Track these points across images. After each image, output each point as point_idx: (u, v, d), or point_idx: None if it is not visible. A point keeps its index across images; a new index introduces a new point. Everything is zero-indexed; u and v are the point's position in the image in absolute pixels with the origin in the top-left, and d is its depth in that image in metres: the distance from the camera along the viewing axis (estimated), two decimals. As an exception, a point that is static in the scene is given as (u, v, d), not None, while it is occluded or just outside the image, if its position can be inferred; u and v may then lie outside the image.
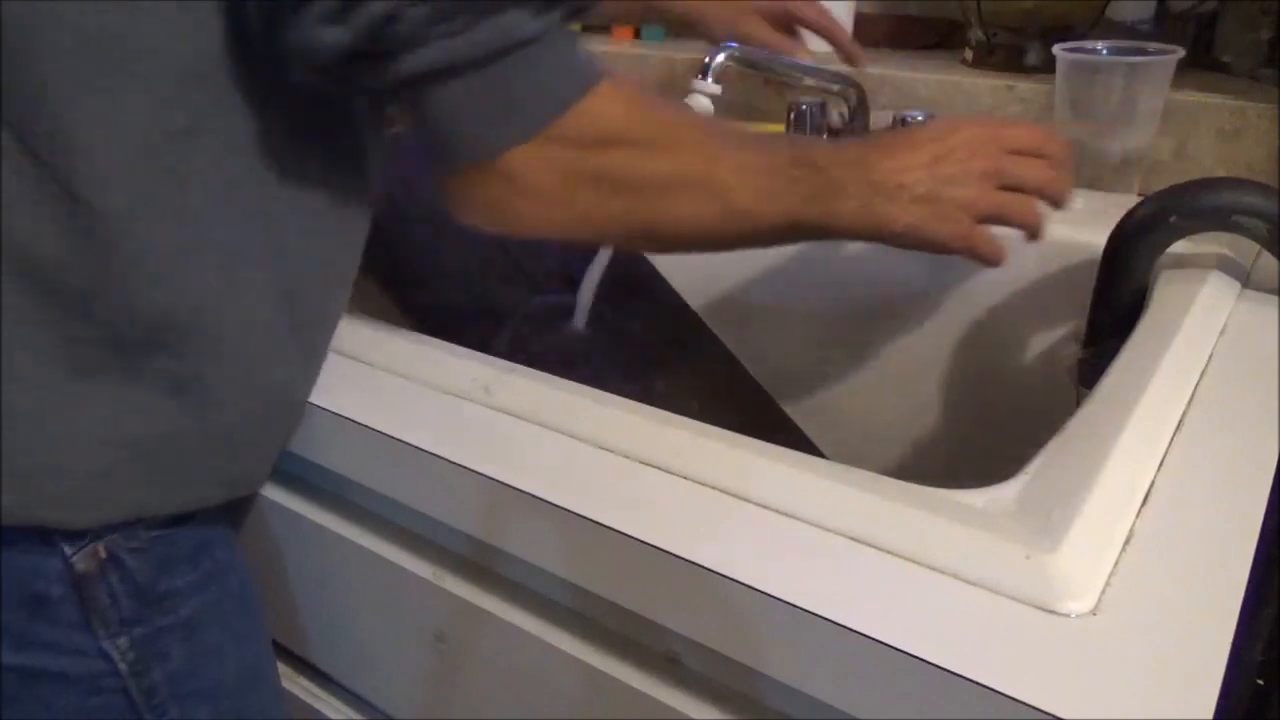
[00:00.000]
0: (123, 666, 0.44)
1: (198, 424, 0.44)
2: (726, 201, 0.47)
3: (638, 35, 1.07)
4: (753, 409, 0.86)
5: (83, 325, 0.40)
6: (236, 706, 0.49)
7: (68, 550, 0.42)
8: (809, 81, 0.77)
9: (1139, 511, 0.37)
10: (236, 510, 0.51)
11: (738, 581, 0.34)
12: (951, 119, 0.53)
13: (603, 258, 0.73)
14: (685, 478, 0.40)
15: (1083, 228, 0.68)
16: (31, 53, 0.37)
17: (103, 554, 0.43)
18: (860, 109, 0.78)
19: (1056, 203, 0.53)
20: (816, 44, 0.95)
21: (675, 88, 0.96)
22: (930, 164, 0.49)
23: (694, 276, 0.89)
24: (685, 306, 0.88)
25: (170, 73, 0.39)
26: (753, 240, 0.49)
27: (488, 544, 0.43)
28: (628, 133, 0.45)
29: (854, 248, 0.80)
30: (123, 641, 0.44)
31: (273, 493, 0.55)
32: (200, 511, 0.46)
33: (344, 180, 0.46)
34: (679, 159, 0.46)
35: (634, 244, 0.53)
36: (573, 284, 0.75)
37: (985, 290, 0.75)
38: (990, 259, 0.51)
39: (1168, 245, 0.56)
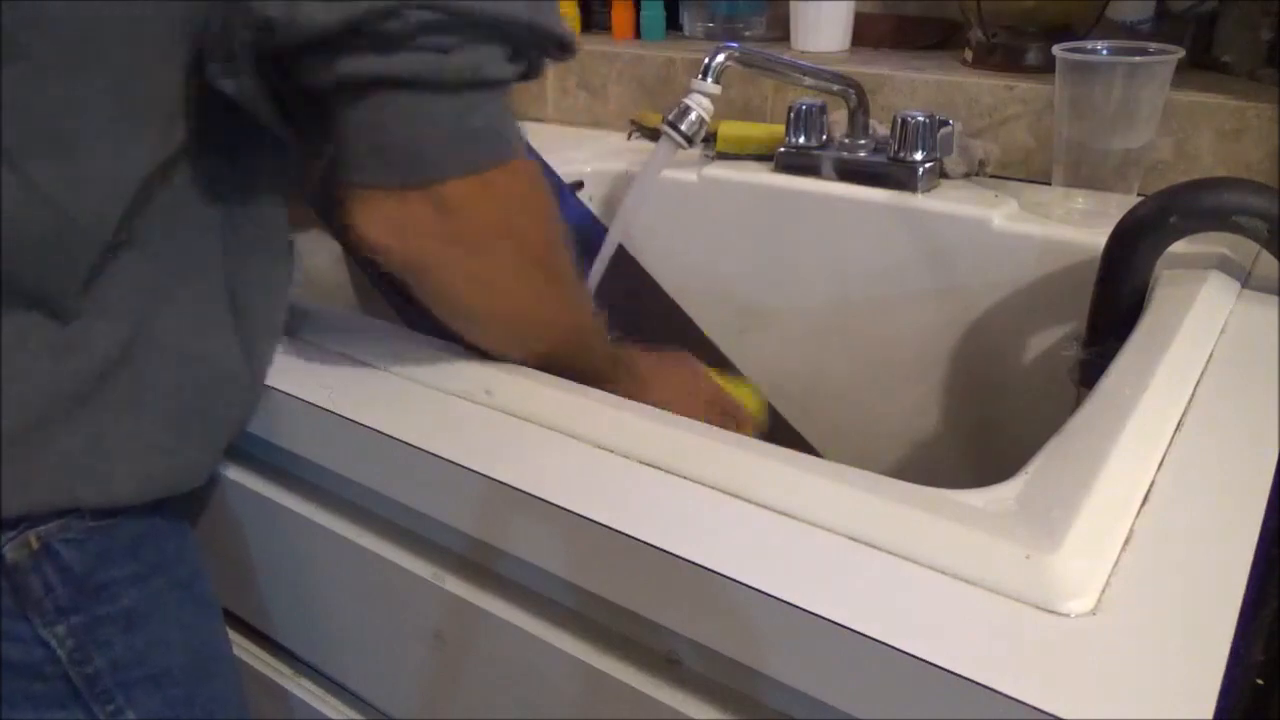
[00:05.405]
0: (61, 654, 0.45)
1: (127, 413, 0.43)
2: (575, 323, 0.51)
3: (638, 35, 1.07)
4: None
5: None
6: (188, 694, 0.50)
7: None
8: (809, 81, 0.77)
9: (1139, 511, 0.37)
10: (185, 502, 0.50)
11: (738, 581, 0.34)
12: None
13: (600, 264, 0.73)
14: (685, 478, 0.40)
15: (1083, 228, 0.68)
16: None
17: (35, 544, 0.43)
18: (860, 109, 0.78)
19: None
20: (816, 44, 0.95)
21: (675, 87, 0.96)
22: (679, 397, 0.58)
23: (693, 277, 0.89)
24: (676, 308, 0.88)
25: None
26: (551, 350, 0.51)
27: (488, 544, 0.43)
28: (545, 209, 0.46)
29: (854, 247, 0.80)
30: (60, 629, 0.45)
31: (271, 492, 0.55)
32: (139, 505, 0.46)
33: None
34: (566, 266, 0.48)
35: (488, 324, 0.49)
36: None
37: (985, 290, 0.75)
38: None
39: (1168, 245, 0.56)
